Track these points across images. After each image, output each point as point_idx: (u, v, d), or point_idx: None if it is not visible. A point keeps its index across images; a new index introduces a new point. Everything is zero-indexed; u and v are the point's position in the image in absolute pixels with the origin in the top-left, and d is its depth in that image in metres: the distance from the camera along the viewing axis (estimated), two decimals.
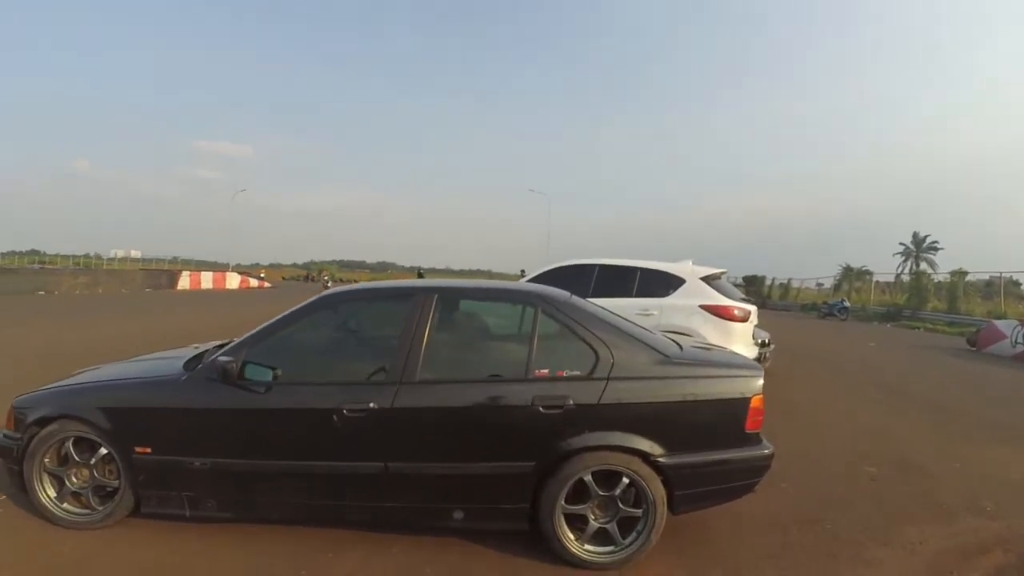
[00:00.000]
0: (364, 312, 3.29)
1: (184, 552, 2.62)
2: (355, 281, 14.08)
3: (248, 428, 2.69)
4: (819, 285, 37.05)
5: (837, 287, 33.79)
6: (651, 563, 2.60)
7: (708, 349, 3.36)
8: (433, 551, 2.66)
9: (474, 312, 3.27)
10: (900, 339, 16.31)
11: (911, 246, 45.21)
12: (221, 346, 2.96)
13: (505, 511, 2.61)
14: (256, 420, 2.68)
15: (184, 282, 29.67)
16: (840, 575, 2.63)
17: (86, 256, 57.56)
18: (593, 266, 6.46)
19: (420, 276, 25.60)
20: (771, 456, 2.69)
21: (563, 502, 2.55)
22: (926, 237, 44.49)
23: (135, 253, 52.46)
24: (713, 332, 5.73)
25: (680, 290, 6.13)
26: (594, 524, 2.57)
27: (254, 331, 2.82)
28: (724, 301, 6.08)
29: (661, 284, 6.21)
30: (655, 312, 5.93)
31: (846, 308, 24.47)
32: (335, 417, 2.54)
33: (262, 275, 40.82)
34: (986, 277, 24.57)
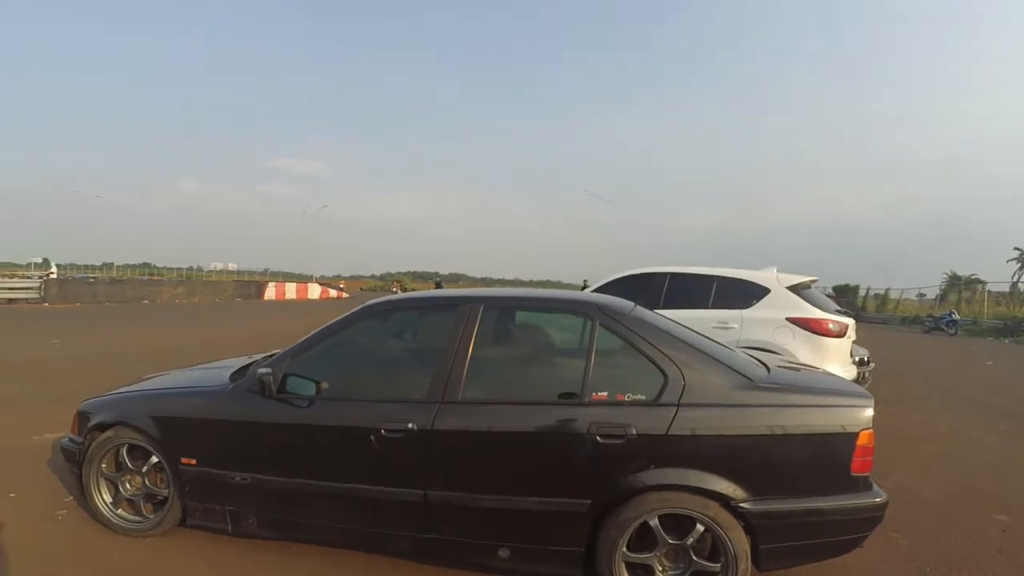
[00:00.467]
0: (409, 323, 3.13)
1: (224, 565, 2.57)
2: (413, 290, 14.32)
3: (287, 444, 2.57)
4: (921, 296, 34.01)
5: (943, 297, 30.96)
6: None
7: (799, 370, 2.88)
8: None
9: (525, 325, 3.00)
10: (1022, 357, 14.34)
11: None
12: (270, 356, 2.89)
13: (556, 554, 2.29)
14: (295, 436, 2.55)
15: (270, 292, 31.77)
16: None
17: (188, 269, 62.95)
18: (664, 274, 5.89)
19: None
20: (884, 505, 2.21)
21: (624, 549, 2.19)
22: None
23: (232, 266, 56.68)
24: (803, 349, 5.03)
25: (764, 301, 5.43)
26: None
27: (297, 343, 2.70)
28: (816, 313, 5.33)
29: (742, 294, 5.51)
30: (735, 326, 5.29)
31: (955, 321, 22.12)
32: (373, 437, 2.36)
33: (341, 285, 42.84)
34: None
